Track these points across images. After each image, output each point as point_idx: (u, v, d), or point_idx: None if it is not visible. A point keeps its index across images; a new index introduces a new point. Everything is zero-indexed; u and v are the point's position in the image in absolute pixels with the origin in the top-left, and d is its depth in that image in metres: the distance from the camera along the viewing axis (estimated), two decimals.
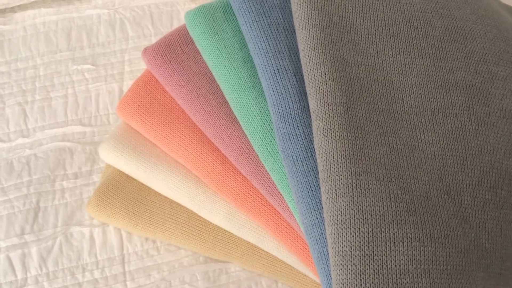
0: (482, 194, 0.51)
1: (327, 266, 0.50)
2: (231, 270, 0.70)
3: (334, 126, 0.51)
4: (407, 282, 0.46)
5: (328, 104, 0.52)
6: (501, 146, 0.55)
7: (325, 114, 0.51)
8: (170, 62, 0.70)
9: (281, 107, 0.56)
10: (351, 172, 0.48)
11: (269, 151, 0.59)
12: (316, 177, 0.53)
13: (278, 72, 0.58)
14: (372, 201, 0.47)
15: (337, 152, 0.50)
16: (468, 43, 0.61)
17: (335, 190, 0.49)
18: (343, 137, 0.50)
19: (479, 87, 0.57)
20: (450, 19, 0.62)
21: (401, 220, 0.47)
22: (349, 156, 0.49)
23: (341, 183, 0.48)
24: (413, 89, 0.56)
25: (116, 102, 0.84)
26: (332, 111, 0.51)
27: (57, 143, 0.80)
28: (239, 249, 0.67)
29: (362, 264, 0.46)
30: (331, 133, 0.50)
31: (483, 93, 0.57)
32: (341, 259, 0.47)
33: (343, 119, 0.51)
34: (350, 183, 0.48)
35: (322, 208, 0.52)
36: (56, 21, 0.92)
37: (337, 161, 0.49)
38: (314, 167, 0.53)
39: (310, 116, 0.55)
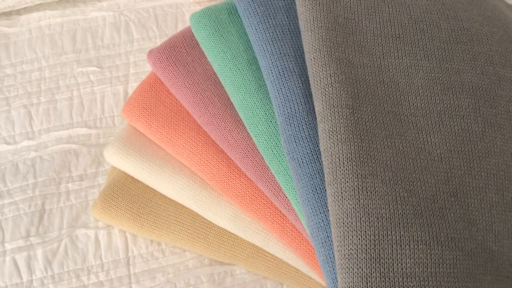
0: (489, 197, 0.51)
1: (333, 269, 0.50)
2: (236, 272, 0.70)
3: (340, 128, 0.50)
4: (414, 286, 0.45)
5: (333, 107, 0.51)
6: (508, 148, 0.54)
7: (331, 117, 0.51)
8: (175, 64, 0.70)
9: (287, 109, 0.56)
10: (357, 175, 0.48)
11: (274, 154, 0.59)
12: (321, 179, 0.53)
13: (284, 74, 0.58)
14: (379, 203, 0.47)
15: (343, 155, 0.49)
16: (475, 45, 0.60)
17: (341, 192, 0.48)
18: (349, 139, 0.50)
19: (485, 89, 0.57)
20: (456, 21, 0.62)
21: (407, 223, 0.47)
22: (355, 158, 0.49)
23: (347, 185, 0.48)
24: (419, 91, 0.55)
25: (121, 104, 0.84)
26: (338, 113, 0.51)
27: (62, 145, 0.80)
28: (244, 251, 0.67)
29: (369, 267, 0.46)
30: (337, 136, 0.50)
31: (490, 95, 0.57)
32: (347, 262, 0.46)
33: (349, 121, 0.51)
34: (356, 186, 0.48)
35: (328, 211, 0.51)
36: (61, 23, 0.93)
37: (343, 163, 0.49)
38: (320, 169, 0.53)
39: (316, 119, 0.55)
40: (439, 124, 0.54)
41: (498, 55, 0.60)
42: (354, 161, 0.49)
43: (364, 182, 0.48)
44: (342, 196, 0.48)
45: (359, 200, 0.47)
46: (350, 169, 0.49)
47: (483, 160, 0.53)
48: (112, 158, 0.71)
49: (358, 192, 0.48)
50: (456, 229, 0.48)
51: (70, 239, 0.72)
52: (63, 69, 0.88)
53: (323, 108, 0.52)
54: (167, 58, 0.70)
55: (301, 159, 0.54)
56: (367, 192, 0.48)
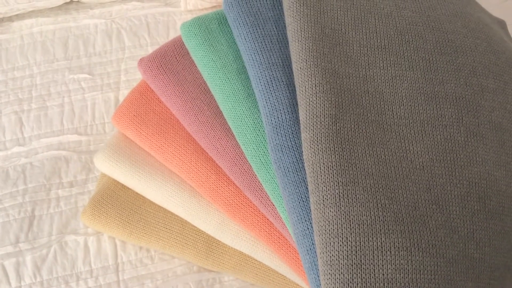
0: (471, 205, 0.52)
1: (317, 276, 0.50)
2: (225, 279, 0.70)
3: (321, 137, 0.51)
4: None
5: (316, 116, 0.52)
6: (490, 158, 0.56)
7: (313, 126, 0.52)
8: (165, 72, 0.71)
9: (274, 119, 0.57)
10: (338, 183, 0.49)
11: (262, 162, 0.59)
12: (307, 188, 0.53)
13: (272, 83, 0.59)
14: (360, 210, 0.48)
15: (323, 163, 0.50)
16: (459, 56, 0.62)
17: (323, 200, 0.49)
18: (330, 148, 0.51)
19: (468, 99, 0.58)
20: (441, 33, 0.63)
21: (388, 230, 0.48)
22: (336, 166, 0.50)
23: (328, 193, 0.49)
24: (403, 100, 0.57)
25: (112, 111, 0.85)
26: (320, 122, 0.52)
27: (52, 152, 0.80)
28: (232, 259, 0.68)
29: (350, 273, 0.46)
30: (318, 145, 0.51)
31: (473, 105, 0.58)
32: (329, 269, 0.47)
33: (330, 130, 0.52)
34: (337, 194, 0.49)
35: None
36: (53, 30, 0.93)
37: (324, 172, 0.50)
38: (305, 178, 0.54)
39: None
40: (422, 133, 0.55)
41: (482, 66, 0.62)
42: (334, 169, 0.50)
43: (345, 189, 0.49)
44: (324, 204, 0.49)
45: (340, 208, 0.48)
46: (331, 177, 0.50)
47: (465, 169, 0.54)
48: (102, 165, 0.72)
49: (339, 199, 0.49)
50: (437, 236, 0.49)
51: (60, 245, 0.72)
52: (55, 76, 0.88)
53: (306, 117, 0.53)
54: (157, 66, 0.71)
55: (287, 167, 0.55)
56: (348, 199, 0.49)
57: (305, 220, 0.52)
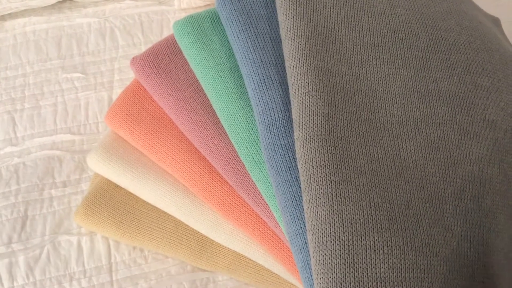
0: (465, 203, 0.52)
1: (311, 275, 0.50)
2: (219, 279, 0.70)
3: (314, 136, 0.51)
4: None
5: (309, 114, 0.52)
6: (484, 156, 0.55)
7: (305, 124, 0.52)
8: (158, 71, 0.70)
9: (267, 117, 0.57)
10: (331, 181, 0.49)
11: (255, 161, 0.59)
12: (300, 187, 0.53)
13: (264, 82, 0.59)
14: (352, 209, 0.48)
15: (316, 162, 0.50)
16: (452, 54, 0.61)
17: (315, 199, 0.49)
18: (322, 147, 0.51)
19: (462, 97, 0.58)
20: (434, 30, 0.63)
21: (381, 228, 0.47)
22: (328, 165, 0.50)
23: (321, 192, 0.49)
24: (396, 99, 0.56)
25: (105, 110, 0.84)
26: (313, 121, 0.52)
27: (46, 152, 0.80)
28: (226, 258, 0.68)
29: (343, 272, 0.46)
30: (310, 143, 0.51)
31: (466, 103, 0.58)
32: (322, 268, 0.47)
33: (323, 129, 0.51)
34: (329, 192, 0.49)
35: None
36: (46, 29, 0.93)
37: (316, 170, 0.50)
38: (298, 177, 0.54)
39: None
40: (415, 131, 0.55)
41: (475, 64, 0.61)
42: (327, 168, 0.50)
43: (337, 188, 0.49)
44: (316, 203, 0.49)
45: (333, 206, 0.48)
46: (324, 176, 0.49)
47: (459, 167, 0.53)
48: (95, 165, 0.71)
49: (332, 198, 0.48)
50: (431, 235, 0.49)
51: (53, 245, 0.72)
52: (48, 75, 0.88)
53: (298, 116, 0.53)
54: (150, 65, 0.71)
55: (280, 166, 0.54)
56: (341, 198, 0.48)
57: (298, 219, 0.52)
